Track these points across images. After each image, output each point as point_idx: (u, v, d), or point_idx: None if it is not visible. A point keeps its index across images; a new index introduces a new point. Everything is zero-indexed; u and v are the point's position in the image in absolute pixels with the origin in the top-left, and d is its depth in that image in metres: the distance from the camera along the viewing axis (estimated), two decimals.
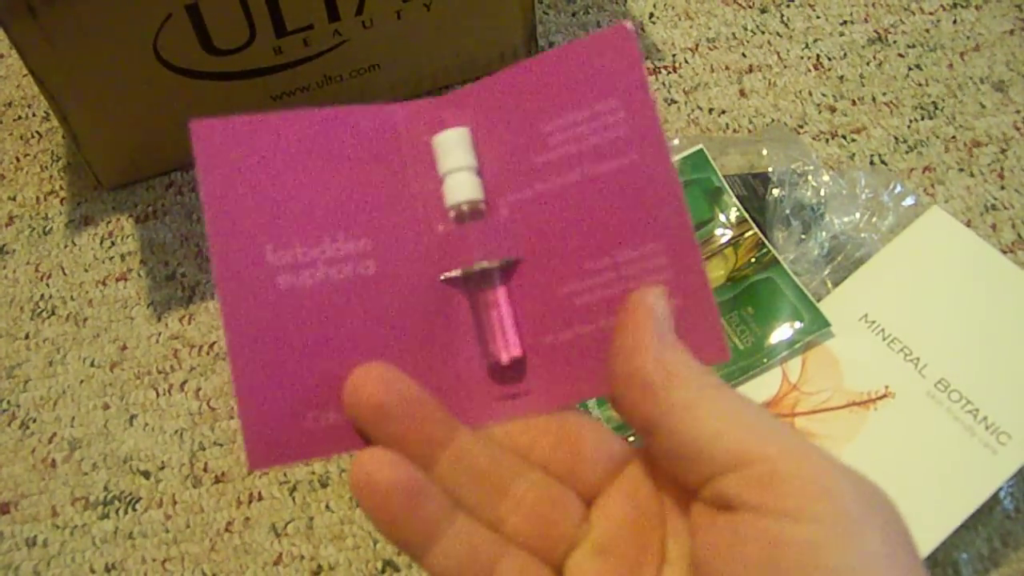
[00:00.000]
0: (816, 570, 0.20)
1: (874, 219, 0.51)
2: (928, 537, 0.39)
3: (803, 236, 0.50)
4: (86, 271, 0.57)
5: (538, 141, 0.27)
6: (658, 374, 0.23)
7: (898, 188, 0.52)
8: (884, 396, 0.43)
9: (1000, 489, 0.42)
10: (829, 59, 0.64)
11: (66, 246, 0.58)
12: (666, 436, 0.23)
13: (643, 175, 0.27)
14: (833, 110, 0.61)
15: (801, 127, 0.60)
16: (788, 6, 0.68)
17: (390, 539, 0.25)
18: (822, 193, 0.51)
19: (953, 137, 0.59)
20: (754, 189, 0.52)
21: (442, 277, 0.28)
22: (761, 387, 0.45)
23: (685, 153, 0.51)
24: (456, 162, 0.28)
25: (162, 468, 0.48)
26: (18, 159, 0.63)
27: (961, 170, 0.57)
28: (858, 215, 0.51)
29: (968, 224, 0.55)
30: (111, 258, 0.57)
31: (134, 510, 0.47)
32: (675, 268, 0.26)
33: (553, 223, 0.27)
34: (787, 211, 0.50)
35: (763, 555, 0.21)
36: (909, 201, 0.51)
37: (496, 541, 0.25)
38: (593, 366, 0.26)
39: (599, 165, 0.27)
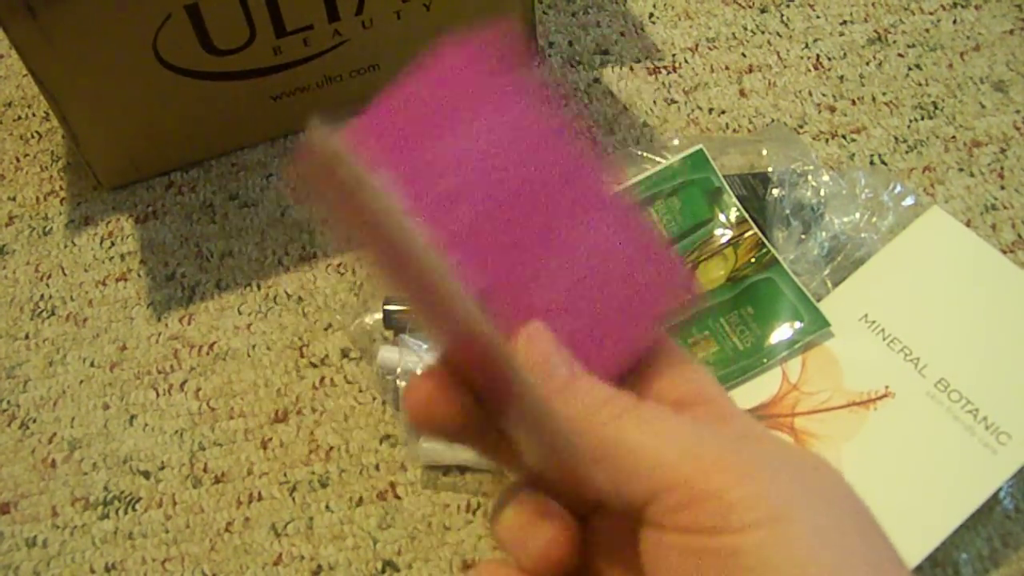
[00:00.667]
0: (741, 571, 0.20)
1: (874, 219, 0.51)
2: (928, 537, 0.39)
3: (803, 236, 0.50)
4: (86, 271, 0.57)
5: None
6: (565, 423, 0.23)
7: (898, 188, 0.52)
8: (884, 396, 0.43)
9: (1000, 489, 0.42)
10: (829, 59, 0.64)
11: (66, 246, 0.58)
12: (588, 475, 0.23)
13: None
14: (833, 110, 0.61)
15: (801, 127, 0.60)
16: (788, 6, 0.68)
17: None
18: (822, 193, 0.51)
19: (953, 137, 0.59)
20: (754, 189, 0.52)
21: None
22: (761, 387, 0.45)
23: (685, 153, 0.51)
24: None
25: (162, 468, 0.48)
26: (18, 159, 0.63)
27: (961, 170, 0.57)
28: (858, 215, 0.51)
29: (968, 224, 0.55)
30: (111, 258, 0.57)
31: (134, 510, 0.47)
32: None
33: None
34: (787, 211, 0.50)
35: (689, 567, 0.21)
36: (909, 201, 0.51)
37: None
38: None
39: None
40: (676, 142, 0.54)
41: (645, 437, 0.22)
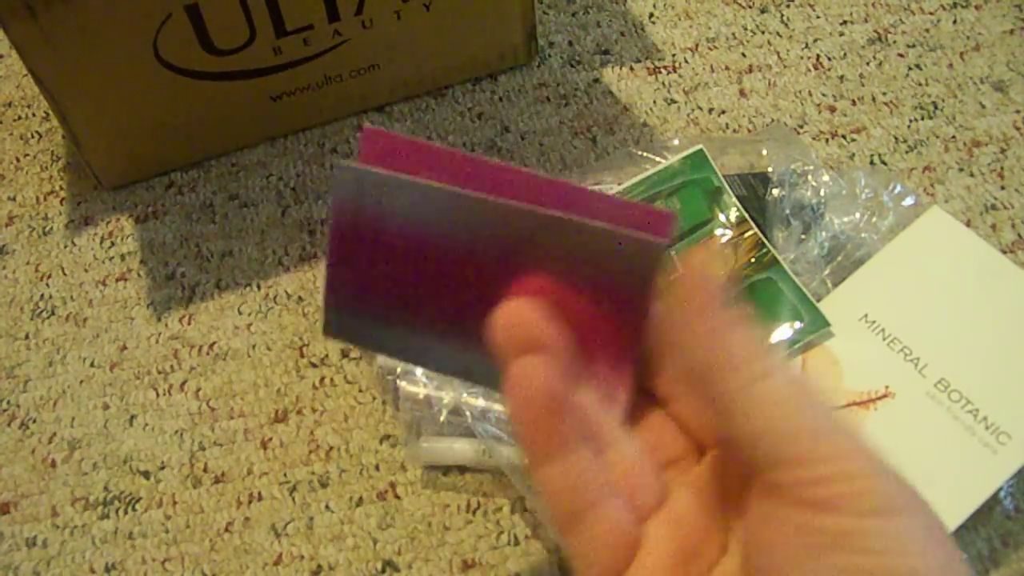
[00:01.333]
0: (853, 553, 0.21)
1: (874, 219, 0.51)
2: None
3: (803, 236, 0.50)
4: (86, 271, 0.57)
5: None
6: (715, 359, 0.24)
7: (898, 188, 0.52)
8: (884, 396, 0.43)
9: (1000, 489, 0.42)
10: (829, 59, 0.64)
11: (66, 246, 0.58)
12: (723, 424, 0.24)
13: None
14: (833, 110, 0.61)
15: (801, 127, 0.60)
16: (788, 6, 0.68)
17: (521, 438, 0.26)
18: (822, 193, 0.51)
19: (953, 137, 0.59)
20: (754, 189, 0.52)
21: None
22: None
23: (685, 153, 0.51)
24: None
25: (162, 468, 0.48)
26: (18, 159, 0.63)
27: (961, 170, 0.57)
28: (858, 215, 0.51)
29: (968, 224, 0.55)
30: (111, 258, 0.57)
31: (134, 510, 0.47)
32: None
33: None
34: (787, 211, 0.50)
35: (803, 542, 0.22)
36: (909, 201, 0.51)
37: (603, 483, 0.26)
38: None
39: None
40: (676, 142, 0.54)
41: (786, 395, 0.23)
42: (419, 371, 0.46)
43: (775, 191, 0.51)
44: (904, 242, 0.48)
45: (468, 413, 0.44)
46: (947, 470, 0.41)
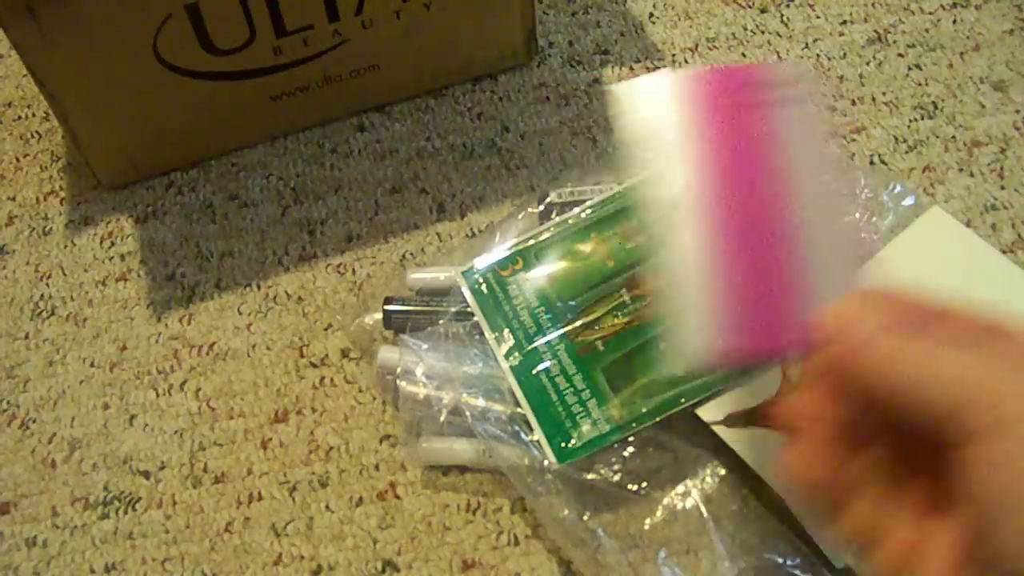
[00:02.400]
0: None
1: (874, 219, 0.51)
2: None
3: None
4: (86, 271, 0.57)
5: None
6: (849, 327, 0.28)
7: (898, 188, 0.52)
8: None
9: None
10: (829, 59, 0.64)
11: (66, 246, 0.58)
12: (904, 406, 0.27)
13: None
14: (833, 110, 0.61)
15: None
16: (788, 6, 0.68)
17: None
18: None
19: (953, 137, 0.59)
20: None
21: None
22: (760, 387, 0.45)
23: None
24: None
25: (162, 468, 0.48)
26: (18, 159, 0.63)
27: (961, 170, 0.57)
28: (858, 215, 0.50)
29: (968, 224, 0.55)
30: (111, 258, 0.57)
31: (134, 510, 0.47)
32: None
33: None
34: None
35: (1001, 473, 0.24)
36: (909, 201, 0.51)
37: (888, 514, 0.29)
38: None
39: None
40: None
41: (956, 368, 0.26)
42: (419, 371, 0.46)
43: None
44: (904, 242, 0.48)
45: (468, 413, 0.44)
46: None
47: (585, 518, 0.44)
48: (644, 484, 0.44)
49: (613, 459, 0.44)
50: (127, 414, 0.50)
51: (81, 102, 0.53)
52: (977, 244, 0.46)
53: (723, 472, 0.45)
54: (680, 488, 0.44)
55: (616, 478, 0.44)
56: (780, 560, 0.42)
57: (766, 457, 0.43)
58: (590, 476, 0.43)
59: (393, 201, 0.58)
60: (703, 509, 0.43)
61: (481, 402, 0.45)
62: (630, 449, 0.44)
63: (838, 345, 0.29)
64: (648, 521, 0.44)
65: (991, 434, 0.25)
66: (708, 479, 0.44)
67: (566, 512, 0.43)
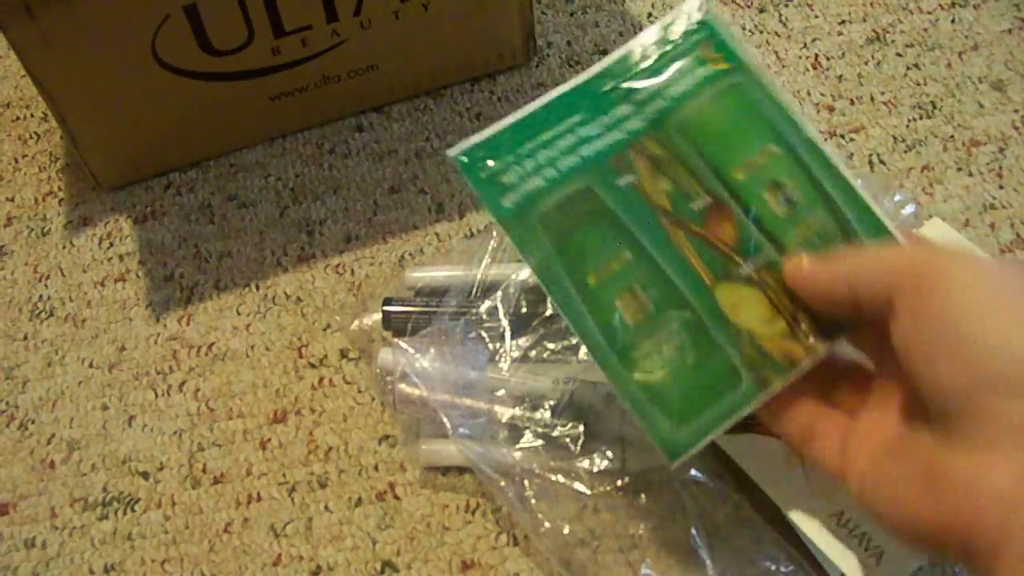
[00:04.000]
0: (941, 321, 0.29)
1: None
2: None
3: None
4: (84, 272, 0.57)
5: None
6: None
7: (898, 196, 0.51)
8: None
9: None
10: (827, 58, 0.64)
11: (64, 247, 0.58)
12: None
13: None
14: (831, 109, 0.61)
15: None
16: (786, 5, 0.68)
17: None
18: None
19: (951, 136, 0.59)
20: None
21: None
22: None
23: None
24: None
25: (161, 469, 0.48)
26: (16, 160, 0.63)
27: (959, 169, 0.57)
28: None
29: (967, 224, 0.55)
30: (109, 259, 0.57)
31: (133, 511, 0.47)
32: None
33: None
34: None
35: (918, 331, 0.29)
36: (909, 209, 0.51)
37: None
38: None
39: None
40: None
41: (882, 256, 0.33)
42: (417, 373, 0.46)
43: None
44: None
45: (467, 416, 0.44)
46: None
47: (578, 522, 0.44)
48: (635, 488, 0.44)
49: (601, 461, 0.44)
50: (126, 415, 0.50)
51: (79, 103, 0.53)
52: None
53: (715, 476, 0.44)
54: (671, 493, 0.44)
55: (607, 486, 0.43)
56: (772, 567, 0.41)
57: (760, 461, 0.42)
58: (577, 486, 0.43)
59: (392, 201, 0.58)
60: (694, 514, 0.43)
61: (482, 403, 0.45)
62: (621, 451, 0.44)
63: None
64: (641, 526, 0.44)
65: (917, 304, 0.29)
66: (700, 483, 0.44)
67: (547, 525, 0.43)
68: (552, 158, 0.37)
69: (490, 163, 0.37)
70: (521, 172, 0.37)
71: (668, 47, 0.39)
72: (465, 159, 0.38)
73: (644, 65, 0.39)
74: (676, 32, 0.39)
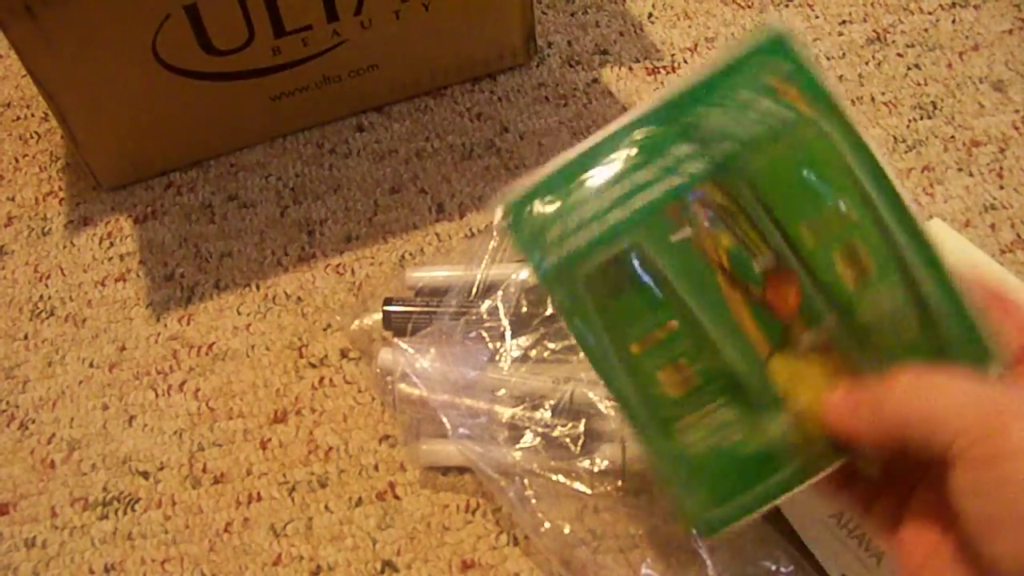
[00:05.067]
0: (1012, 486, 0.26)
1: None
2: None
3: None
4: (85, 272, 0.57)
5: None
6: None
7: None
8: None
9: None
10: (828, 59, 0.64)
11: (65, 247, 0.58)
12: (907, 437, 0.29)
13: None
14: None
15: None
16: (787, 6, 0.68)
17: None
18: None
19: (952, 137, 0.59)
20: None
21: None
22: None
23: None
24: None
25: (161, 469, 0.48)
26: (17, 160, 0.63)
27: (960, 170, 0.57)
28: None
29: (967, 224, 0.55)
30: (110, 259, 0.57)
31: (133, 511, 0.47)
32: None
33: None
34: None
35: (982, 490, 0.27)
36: None
37: None
38: None
39: None
40: None
41: (942, 399, 0.29)
42: (417, 374, 0.46)
43: None
44: None
45: (467, 416, 0.44)
46: None
47: (578, 522, 0.44)
48: (635, 488, 0.44)
49: (601, 461, 0.44)
50: (126, 414, 0.50)
51: (80, 102, 0.53)
52: (979, 257, 0.46)
53: None
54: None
55: (607, 486, 0.43)
56: (772, 567, 0.41)
57: None
58: (577, 486, 0.43)
59: (392, 201, 0.58)
60: None
61: (482, 404, 0.45)
62: (621, 451, 0.44)
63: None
64: (641, 526, 0.44)
65: (980, 462, 0.27)
66: None
67: (547, 525, 0.43)
68: (601, 210, 0.34)
69: (534, 216, 0.34)
70: (565, 228, 0.34)
71: (740, 78, 0.34)
72: (510, 218, 0.34)
73: (712, 98, 0.34)
74: (751, 61, 0.34)
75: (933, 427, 0.28)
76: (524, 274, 0.48)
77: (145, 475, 0.48)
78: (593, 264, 0.34)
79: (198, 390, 0.51)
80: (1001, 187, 0.56)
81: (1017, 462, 0.26)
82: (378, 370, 0.47)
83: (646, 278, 0.34)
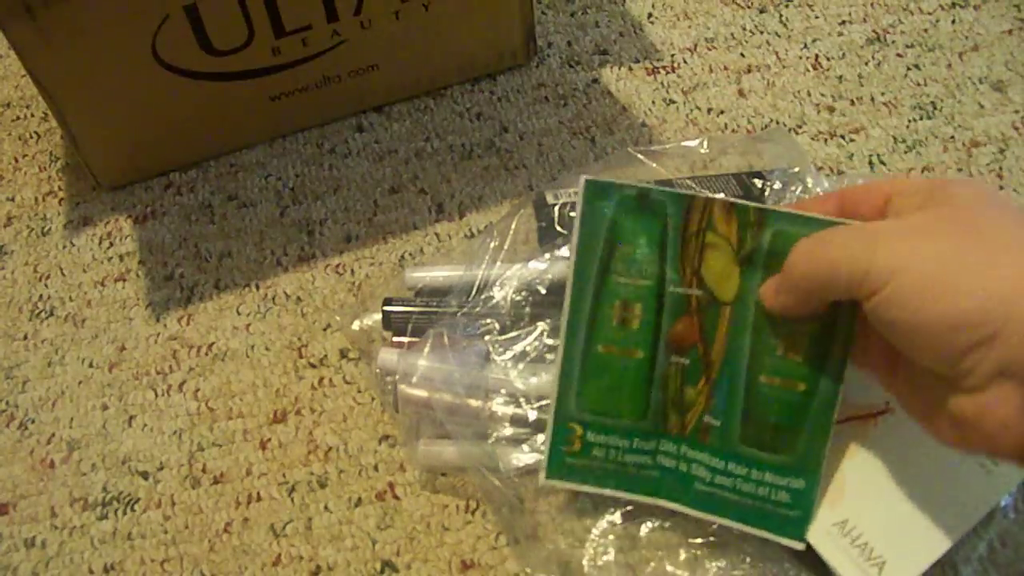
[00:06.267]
0: (890, 309, 0.32)
1: None
2: (927, 551, 0.39)
3: None
4: (85, 272, 0.57)
5: None
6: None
7: None
8: (884, 412, 0.43)
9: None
10: (828, 59, 0.64)
11: (65, 247, 0.58)
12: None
13: None
14: (832, 110, 0.61)
15: (800, 127, 0.60)
16: (787, 6, 0.68)
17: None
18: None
19: (952, 137, 0.59)
20: (749, 188, 0.52)
21: None
22: None
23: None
24: None
25: (161, 469, 0.48)
26: (16, 160, 0.63)
27: (960, 170, 0.57)
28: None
29: None
30: (110, 259, 0.57)
31: (133, 511, 0.47)
32: None
33: None
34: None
35: (876, 324, 0.34)
36: None
37: None
38: None
39: None
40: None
41: (833, 249, 0.34)
42: (418, 374, 0.46)
43: (775, 185, 0.51)
44: None
45: (468, 416, 0.44)
46: (946, 485, 0.41)
47: (583, 523, 0.44)
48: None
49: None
50: (126, 414, 0.50)
51: (79, 102, 0.53)
52: None
53: None
54: None
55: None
56: (776, 571, 0.41)
57: None
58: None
59: (392, 201, 0.58)
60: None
61: (482, 404, 0.45)
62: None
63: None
64: (642, 527, 0.44)
65: (871, 293, 0.33)
66: None
67: (547, 525, 0.43)
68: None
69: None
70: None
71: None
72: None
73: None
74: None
75: (830, 279, 0.34)
76: (525, 273, 0.48)
77: (145, 475, 0.48)
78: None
79: (198, 390, 0.51)
80: (1001, 187, 0.56)
81: (893, 284, 0.31)
82: (378, 370, 0.47)
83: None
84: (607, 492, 0.42)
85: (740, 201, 0.40)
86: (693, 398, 0.41)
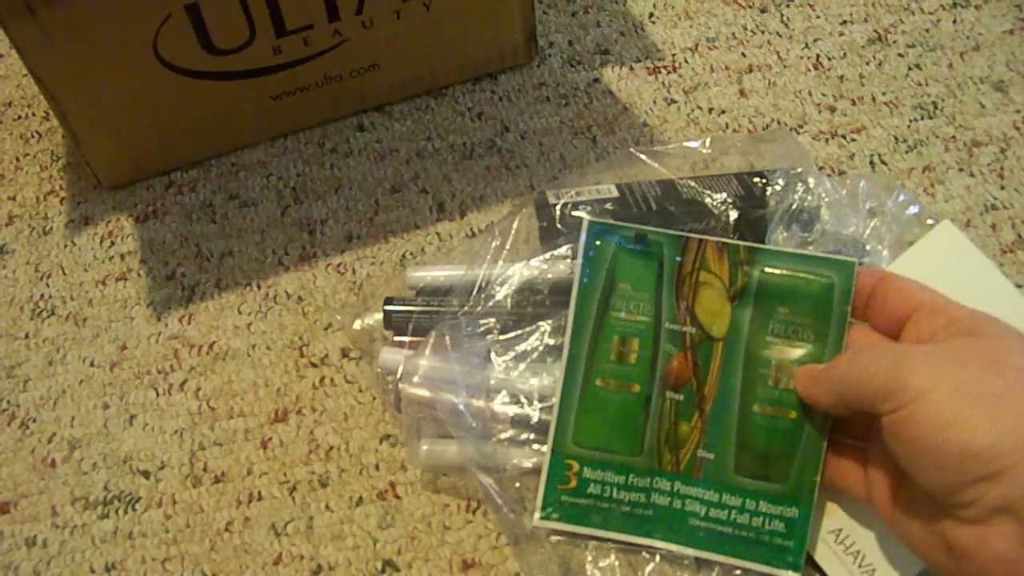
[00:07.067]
0: (911, 427, 0.33)
1: (880, 229, 0.50)
2: (914, 562, 0.40)
3: (806, 237, 0.49)
4: (86, 271, 0.57)
5: None
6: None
7: (901, 196, 0.51)
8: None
9: None
10: (829, 59, 0.64)
11: (66, 246, 0.58)
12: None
13: None
14: (833, 110, 0.61)
15: (801, 127, 0.60)
16: (788, 6, 0.68)
17: None
18: (824, 198, 0.51)
19: (953, 137, 0.59)
20: (751, 188, 0.51)
21: None
22: None
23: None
24: None
25: (162, 468, 0.48)
26: (18, 159, 0.63)
27: (961, 170, 0.57)
28: (861, 224, 0.50)
29: (968, 224, 0.55)
30: (111, 258, 0.57)
31: (134, 510, 0.47)
32: None
33: None
34: (786, 213, 0.50)
35: (891, 433, 0.35)
36: (913, 210, 0.50)
37: None
38: None
39: None
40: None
41: (866, 367, 0.36)
42: (419, 374, 0.46)
43: (777, 186, 0.51)
44: (912, 257, 0.45)
45: (469, 416, 0.44)
46: None
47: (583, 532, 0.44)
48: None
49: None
50: (127, 414, 0.50)
51: (81, 102, 0.53)
52: (986, 267, 0.44)
53: None
54: None
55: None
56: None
57: None
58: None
59: (393, 201, 0.58)
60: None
61: (482, 404, 0.45)
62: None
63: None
64: None
65: (892, 412, 0.34)
66: None
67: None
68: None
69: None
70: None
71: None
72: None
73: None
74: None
75: (861, 387, 0.35)
76: (526, 273, 0.48)
77: (146, 474, 0.48)
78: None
79: (199, 389, 0.51)
80: (1002, 187, 0.56)
81: (916, 405, 0.33)
82: (379, 370, 0.47)
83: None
84: (600, 533, 0.42)
85: (731, 241, 0.43)
86: (687, 434, 0.42)
